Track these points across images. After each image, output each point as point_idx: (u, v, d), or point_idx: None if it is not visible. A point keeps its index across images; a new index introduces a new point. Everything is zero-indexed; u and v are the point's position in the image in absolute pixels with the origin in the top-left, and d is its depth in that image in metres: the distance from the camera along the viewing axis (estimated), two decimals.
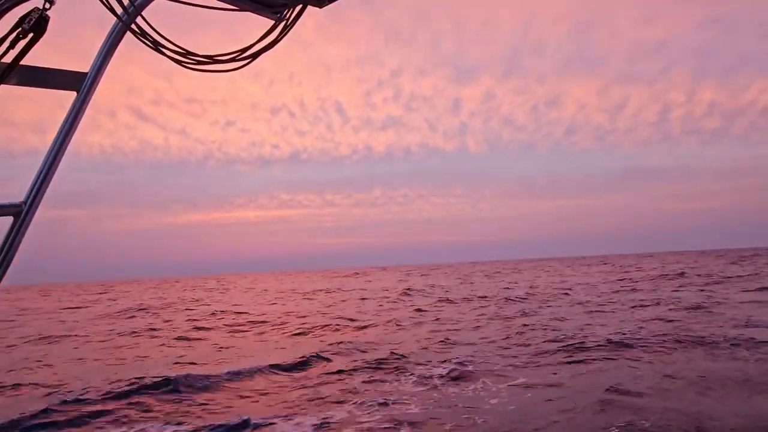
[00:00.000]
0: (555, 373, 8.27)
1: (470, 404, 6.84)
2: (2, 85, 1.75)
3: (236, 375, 9.09)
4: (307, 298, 29.36)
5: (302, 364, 9.82)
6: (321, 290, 36.27)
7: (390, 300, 24.46)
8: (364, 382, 8.43)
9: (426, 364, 9.32)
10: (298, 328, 15.36)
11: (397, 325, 15.15)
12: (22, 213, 1.85)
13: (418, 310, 19.22)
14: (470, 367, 8.91)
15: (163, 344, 13.74)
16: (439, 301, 22.76)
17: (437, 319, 16.20)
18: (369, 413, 6.66)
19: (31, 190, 1.89)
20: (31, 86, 1.85)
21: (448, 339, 11.94)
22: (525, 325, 13.69)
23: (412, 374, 8.69)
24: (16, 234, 1.83)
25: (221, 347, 12.83)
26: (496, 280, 39.83)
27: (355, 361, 9.94)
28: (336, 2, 2.08)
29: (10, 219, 1.85)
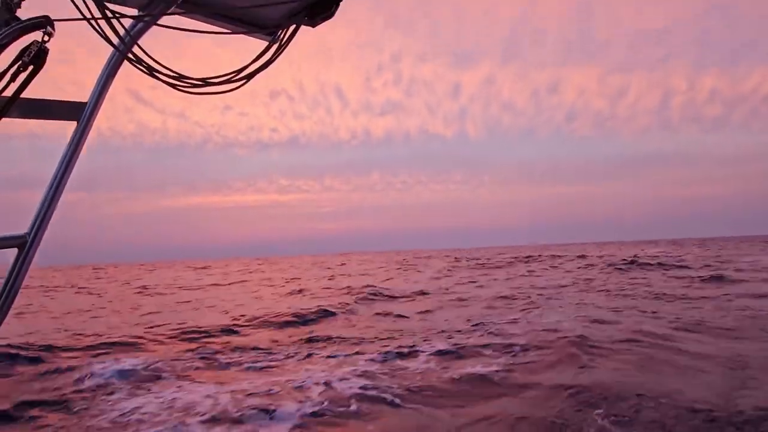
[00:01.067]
0: None
1: None
2: (3, 119, 1.77)
3: None
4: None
5: None
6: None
7: None
8: None
9: None
10: None
11: None
12: (26, 244, 1.86)
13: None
14: None
15: None
16: None
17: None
18: None
19: (35, 221, 1.90)
20: (31, 118, 1.88)
21: None
22: None
23: None
24: (21, 265, 1.85)
25: None
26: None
27: None
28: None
29: (14, 250, 1.87)
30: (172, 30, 1.83)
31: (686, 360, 7.76)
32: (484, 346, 9.20)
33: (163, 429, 5.71)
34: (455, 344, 9.38)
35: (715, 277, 20.12)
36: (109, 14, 1.72)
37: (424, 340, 9.96)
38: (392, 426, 5.69)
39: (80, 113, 1.99)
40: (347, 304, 15.84)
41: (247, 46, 2.13)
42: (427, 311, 14.50)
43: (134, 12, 1.94)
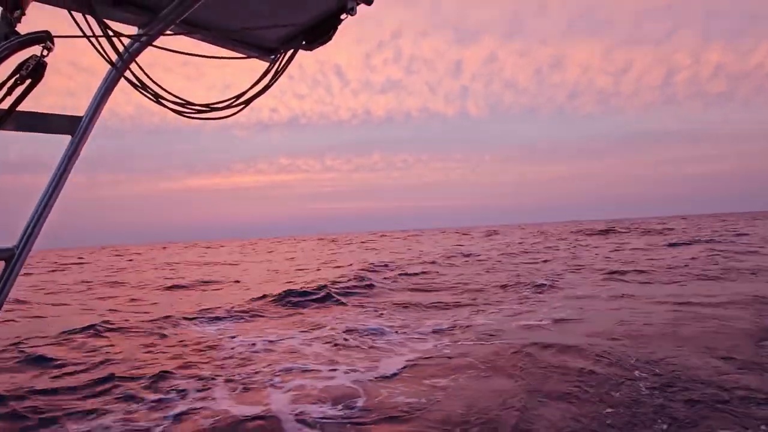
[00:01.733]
0: None
1: None
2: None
3: None
4: None
5: None
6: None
7: None
8: None
9: None
10: None
11: None
12: (14, 257, 1.85)
13: None
14: None
15: None
16: None
17: None
18: None
19: (24, 234, 1.89)
20: (27, 131, 1.88)
21: None
22: None
23: None
24: (7, 279, 1.83)
25: None
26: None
27: None
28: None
29: (1, 263, 1.86)
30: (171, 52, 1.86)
31: None
32: None
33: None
34: None
35: None
36: (110, 33, 1.75)
37: None
38: None
39: (75, 127, 2.00)
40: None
41: (245, 67, 2.17)
42: None
43: (134, 31, 1.96)
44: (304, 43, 2.09)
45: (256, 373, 5.63)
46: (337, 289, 12.04)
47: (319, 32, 2.08)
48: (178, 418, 4.43)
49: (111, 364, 6.15)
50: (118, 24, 1.89)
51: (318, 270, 18.20)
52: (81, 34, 1.72)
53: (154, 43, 1.90)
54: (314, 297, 11.01)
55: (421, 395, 4.71)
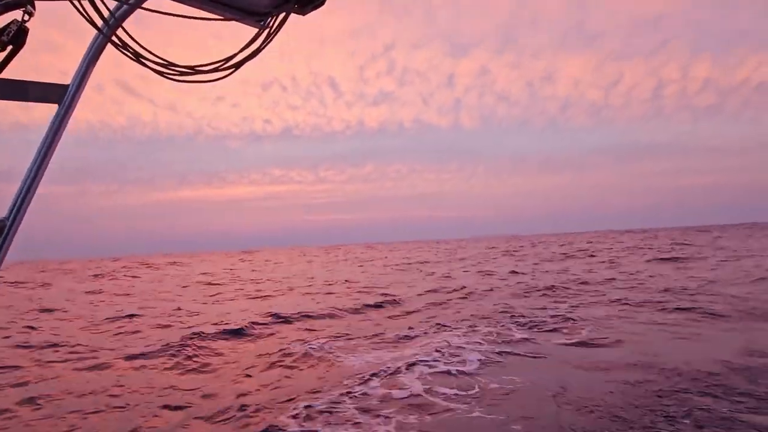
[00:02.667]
0: None
1: None
2: None
3: None
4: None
5: None
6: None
7: None
8: None
9: None
10: None
11: None
12: (5, 229, 1.82)
13: None
14: None
15: None
16: None
17: None
18: None
19: (14, 205, 1.86)
20: (11, 100, 1.83)
21: None
22: None
23: None
24: None
25: None
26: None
27: None
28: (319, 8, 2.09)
29: None
30: (159, 15, 1.79)
31: None
32: None
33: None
34: None
35: None
36: None
37: None
38: None
39: (62, 96, 1.94)
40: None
41: (235, 33, 2.10)
42: None
43: None
44: (296, 6, 2.02)
45: None
46: None
47: None
48: None
49: None
50: None
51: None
52: None
53: (141, 6, 1.83)
54: None
55: None
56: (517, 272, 21.33)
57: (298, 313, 12.00)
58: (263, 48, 1.98)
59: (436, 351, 7.59)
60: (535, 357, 7.28)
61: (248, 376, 6.95)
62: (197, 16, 1.88)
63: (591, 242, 52.67)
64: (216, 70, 1.95)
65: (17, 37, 1.68)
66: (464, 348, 7.81)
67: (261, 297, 16.71)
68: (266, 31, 2.01)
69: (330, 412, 5.20)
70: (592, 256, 31.00)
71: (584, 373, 6.26)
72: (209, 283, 23.54)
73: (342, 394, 5.76)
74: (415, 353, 7.58)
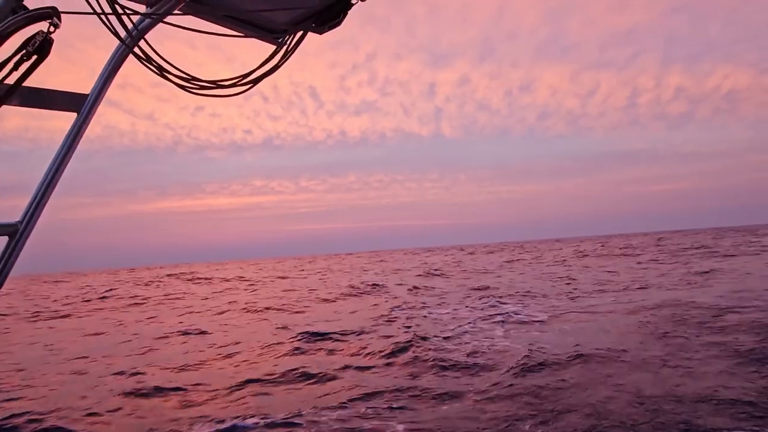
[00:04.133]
0: None
1: None
2: (4, 106, 1.76)
3: None
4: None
5: None
6: None
7: None
8: None
9: None
10: None
11: None
12: (17, 233, 1.84)
13: None
14: None
15: None
16: None
17: None
18: None
19: (28, 210, 1.88)
20: (32, 107, 1.87)
21: None
22: None
23: None
24: (11, 254, 1.82)
25: None
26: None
27: None
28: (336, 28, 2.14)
29: (5, 238, 1.85)
30: (180, 29, 1.84)
31: None
32: None
33: None
34: None
35: None
36: (119, 10, 1.73)
37: None
38: None
39: (81, 105, 1.98)
40: None
41: (252, 49, 2.14)
42: None
43: (143, 8, 1.94)
44: (314, 25, 2.07)
45: None
46: None
47: (329, 15, 2.06)
48: None
49: None
50: (128, 2, 1.87)
51: None
52: (90, 10, 1.70)
53: (163, 20, 1.88)
54: None
55: None
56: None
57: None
58: (281, 65, 2.03)
59: None
60: None
61: None
62: (217, 32, 1.93)
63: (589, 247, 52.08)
64: (235, 85, 1.99)
65: (42, 47, 1.72)
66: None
67: None
68: (284, 49, 2.06)
69: None
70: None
71: None
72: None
73: None
74: None
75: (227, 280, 30.19)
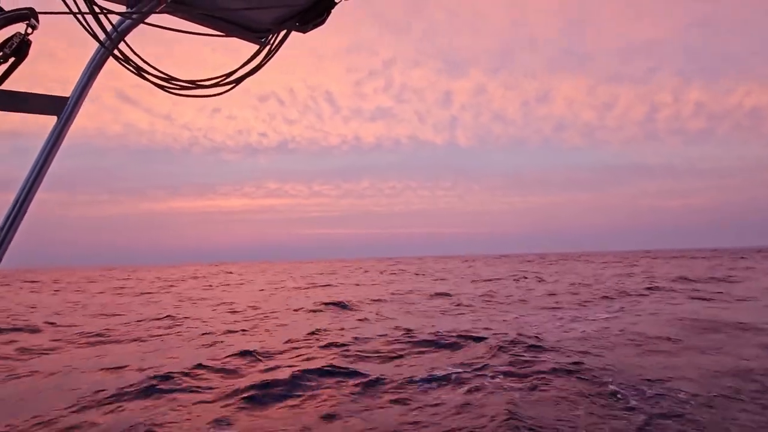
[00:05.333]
0: None
1: None
2: None
3: None
4: None
5: None
6: None
7: None
8: None
9: None
10: None
11: None
12: None
13: None
14: None
15: None
16: None
17: None
18: None
19: (10, 214, 1.85)
20: (11, 111, 1.83)
21: None
22: None
23: None
24: None
25: None
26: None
27: None
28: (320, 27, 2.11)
29: None
30: (161, 29, 1.81)
31: None
32: None
33: None
34: None
35: None
36: (97, 10, 1.69)
37: None
38: None
39: (61, 109, 1.95)
40: None
41: (236, 49, 2.12)
42: None
43: (122, 9, 1.91)
44: (297, 24, 2.04)
45: None
46: None
47: (313, 15, 2.03)
48: None
49: None
50: (106, 2, 1.83)
51: None
52: (67, 10, 1.67)
53: (143, 21, 1.85)
54: None
55: None
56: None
57: None
58: (264, 64, 2.00)
59: None
60: None
61: None
62: (199, 32, 1.90)
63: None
64: (216, 85, 1.96)
65: (20, 49, 1.68)
66: None
67: None
68: (267, 48, 2.03)
69: None
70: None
71: None
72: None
73: None
74: None
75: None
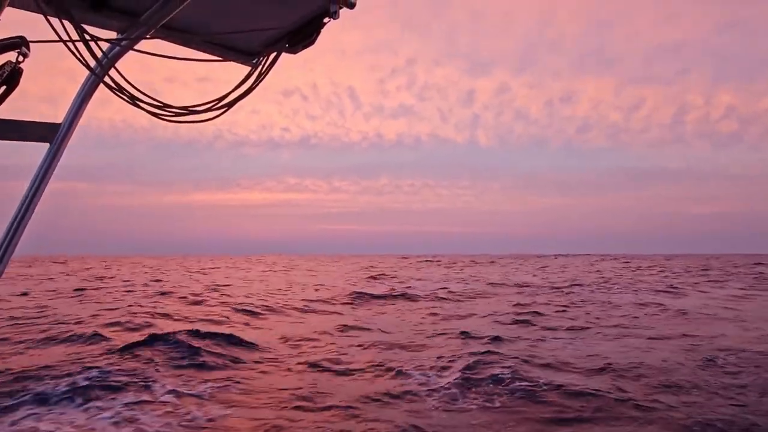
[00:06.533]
0: None
1: None
2: None
3: None
4: None
5: None
6: None
7: None
8: None
9: None
10: None
11: None
12: None
13: None
14: None
15: None
16: None
17: None
18: None
19: (2, 244, 1.84)
20: (2, 139, 1.83)
21: None
22: None
23: None
24: None
25: None
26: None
27: None
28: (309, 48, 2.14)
29: None
30: (151, 56, 1.82)
31: None
32: None
33: None
34: None
35: None
36: (88, 37, 1.71)
37: None
38: None
39: (54, 135, 1.95)
40: None
41: (228, 71, 2.14)
42: None
43: (113, 36, 1.92)
44: (287, 46, 2.06)
45: None
46: None
47: (302, 36, 2.06)
48: None
49: None
50: (97, 29, 1.85)
51: None
52: (57, 39, 1.68)
53: (133, 48, 1.87)
54: None
55: None
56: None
57: None
58: (255, 87, 2.01)
59: None
60: None
61: None
62: (190, 57, 1.92)
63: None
64: (209, 110, 1.97)
65: (11, 77, 1.69)
66: None
67: None
68: (258, 70, 2.05)
69: None
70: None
71: None
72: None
73: None
74: None
75: None
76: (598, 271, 38.90)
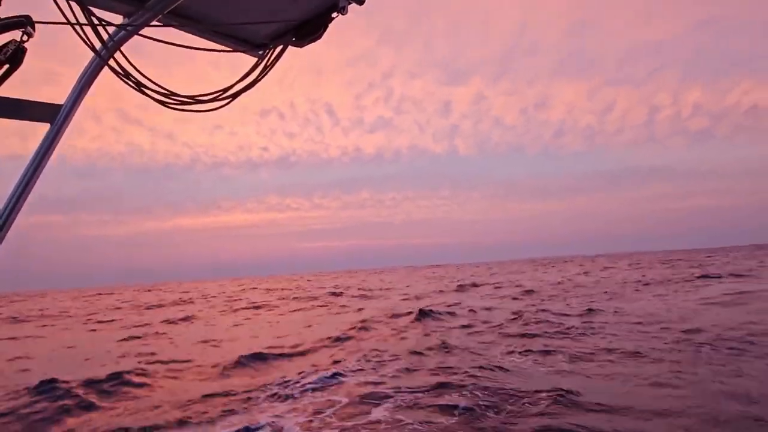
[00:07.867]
0: None
1: None
2: None
3: None
4: None
5: None
6: None
7: None
8: None
9: None
10: None
11: None
12: None
13: None
14: None
15: None
16: None
17: None
18: None
19: None
20: (4, 117, 1.82)
21: None
22: None
23: None
24: None
25: None
26: None
27: None
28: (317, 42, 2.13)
29: None
30: (158, 43, 1.81)
31: None
32: None
33: None
34: None
35: None
36: (95, 21, 1.70)
37: None
38: None
39: (55, 116, 1.94)
40: None
41: (233, 62, 2.13)
42: None
43: (119, 20, 1.91)
44: (294, 39, 2.06)
45: None
46: None
47: (309, 29, 2.05)
48: None
49: None
50: (103, 12, 1.84)
51: None
52: (64, 20, 1.67)
53: (139, 33, 1.85)
54: None
55: None
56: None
57: None
58: (260, 79, 2.01)
59: None
60: None
61: None
62: (197, 45, 1.91)
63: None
64: (214, 99, 1.97)
65: (14, 56, 1.68)
66: None
67: None
68: (264, 62, 2.05)
69: None
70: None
71: None
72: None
73: None
74: None
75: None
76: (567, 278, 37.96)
